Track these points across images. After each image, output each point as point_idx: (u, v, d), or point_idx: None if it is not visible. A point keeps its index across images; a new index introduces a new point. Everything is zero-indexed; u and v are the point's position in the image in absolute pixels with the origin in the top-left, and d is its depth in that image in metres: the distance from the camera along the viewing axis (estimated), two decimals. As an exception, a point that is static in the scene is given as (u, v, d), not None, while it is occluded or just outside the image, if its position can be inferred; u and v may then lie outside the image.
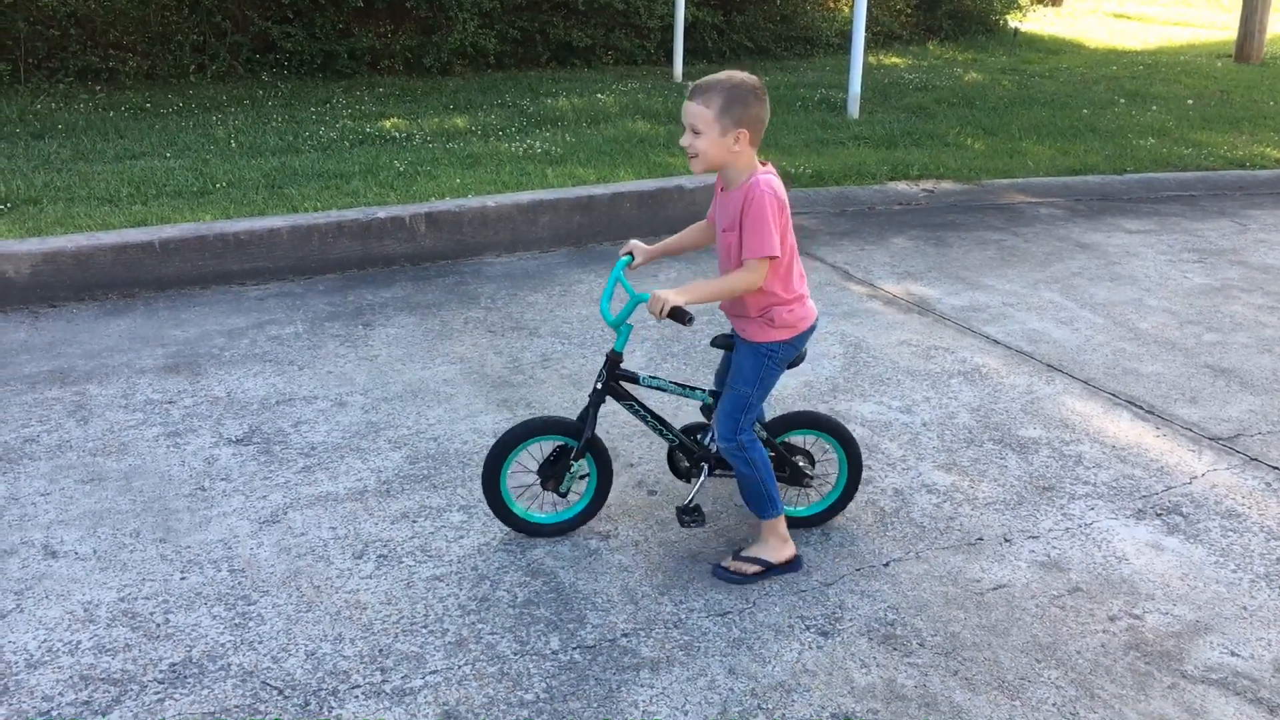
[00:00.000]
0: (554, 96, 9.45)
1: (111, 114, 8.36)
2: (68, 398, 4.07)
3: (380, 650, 2.76)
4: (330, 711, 2.55)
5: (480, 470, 3.22)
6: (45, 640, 2.77)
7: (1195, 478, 3.70)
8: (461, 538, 3.26)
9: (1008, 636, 2.85)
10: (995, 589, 3.05)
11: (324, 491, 3.48)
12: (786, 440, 3.33)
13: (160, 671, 2.67)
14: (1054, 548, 3.26)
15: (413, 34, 10.60)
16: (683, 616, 2.91)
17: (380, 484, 3.54)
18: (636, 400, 3.22)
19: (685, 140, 2.92)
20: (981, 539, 3.30)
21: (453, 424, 3.95)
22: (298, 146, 7.40)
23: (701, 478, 3.27)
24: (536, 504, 3.31)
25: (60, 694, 2.58)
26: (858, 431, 3.92)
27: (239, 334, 4.70)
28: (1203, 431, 4.03)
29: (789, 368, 3.13)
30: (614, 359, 3.14)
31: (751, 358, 3.04)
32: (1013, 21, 15.73)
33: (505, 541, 3.24)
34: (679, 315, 2.86)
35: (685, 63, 10.70)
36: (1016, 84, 11.15)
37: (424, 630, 2.84)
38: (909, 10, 14.17)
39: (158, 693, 2.60)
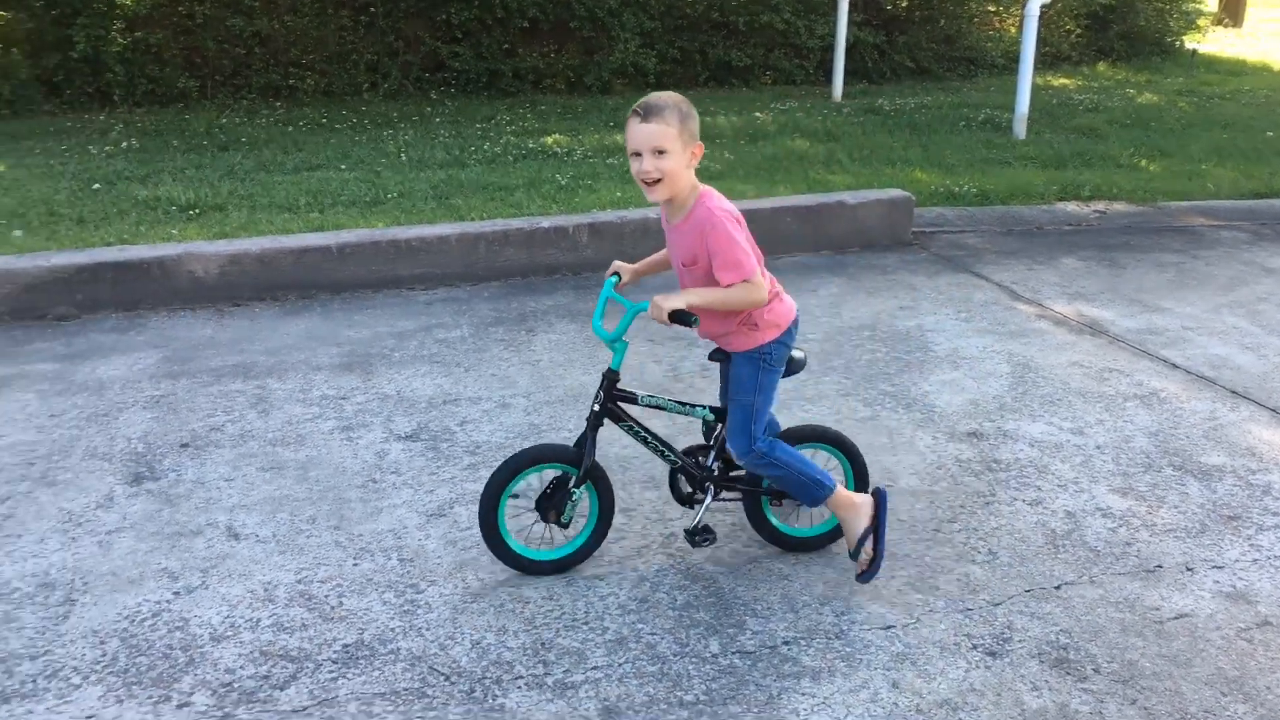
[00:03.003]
0: (712, 115, 9.49)
1: (290, 129, 8.75)
2: (250, 391, 4.26)
3: (542, 644, 2.80)
4: (494, 700, 2.59)
5: (480, 498, 3.03)
6: (228, 616, 2.89)
7: (1399, 514, 3.45)
8: (621, 539, 3.27)
9: (1190, 668, 2.71)
10: (1176, 618, 2.91)
11: (488, 488, 3.55)
12: None
13: (334, 651, 2.76)
14: (1240, 579, 3.08)
15: (575, 54, 10.81)
16: (844, 628, 2.86)
17: (543, 483, 3.59)
18: (636, 421, 3.09)
19: (647, 165, 2.74)
20: (1160, 566, 3.15)
21: (613, 428, 3.96)
22: (464, 160, 7.61)
23: (707, 500, 3.14)
24: (536, 540, 3.14)
25: (241, 667, 2.70)
26: (1027, 452, 3.80)
27: (408, 336, 4.85)
28: (1407, 466, 3.76)
29: (788, 374, 3.04)
30: (611, 378, 3.00)
31: (747, 365, 2.95)
32: (1190, 42, 15.10)
33: (664, 545, 3.24)
34: (683, 318, 2.77)
35: (845, 83, 10.60)
36: (1195, 106, 10.69)
37: (585, 627, 2.87)
38: (1079, 31, 13.74)
39: (331, 671, 2.69)
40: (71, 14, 9.18)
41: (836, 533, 3.19)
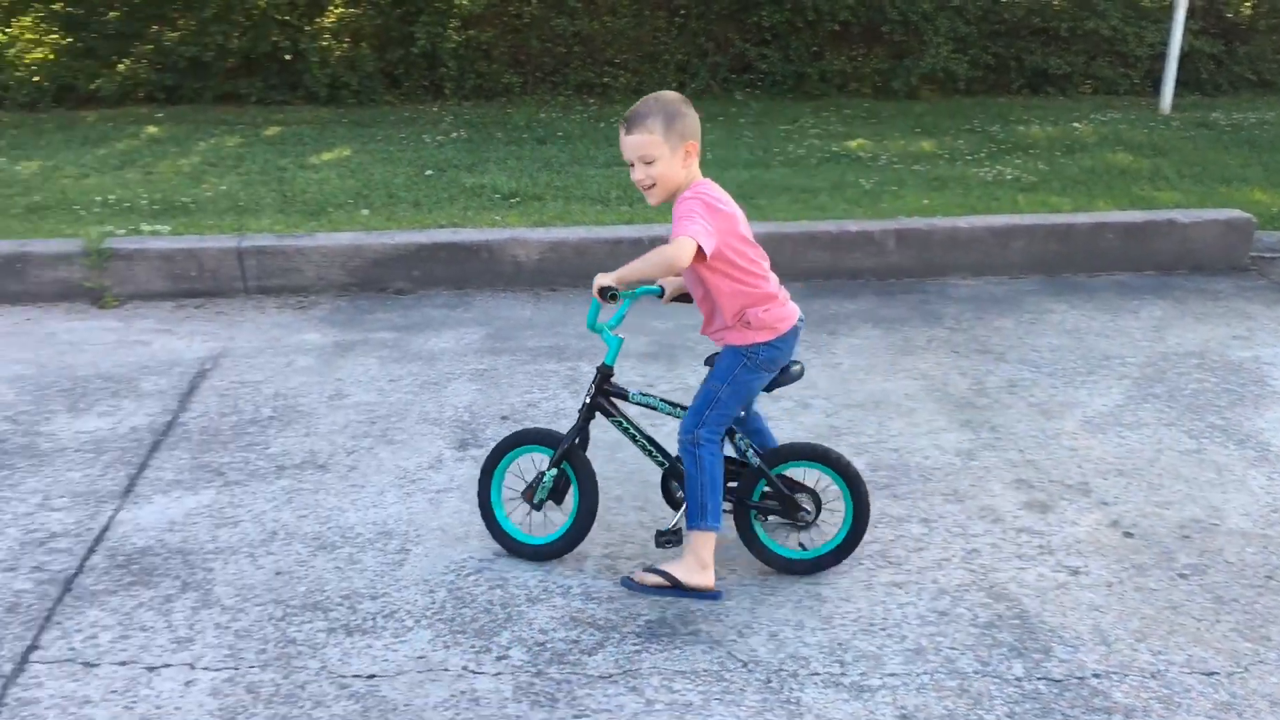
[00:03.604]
0: (1025, 124, 9.13)
1: (601, 125, 9.11)
2: (563, 371, 4.49)
3: (839, 644, 2.81)
4: (790, 692, 2.63)
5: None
6: (543, 581, 3.07)
7: None
8: (921, 549, 3.24)
9: None
10: None
11: (787, 485, 3.59)
12: (786, 474, 3.11)
13: (638, 625, 2.88)
14: None
15: (883, 58, 10.66)
16: (1161, 668, 2.71)
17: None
18: (626, 418, 3.13)
19: (638, 174, 2.87)
20: None
21: (914, 438, 3.93)
22: (767, 161, 7.68)
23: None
24: (533, 525, 3.21)
25: (554, 629, 2.86)
26: (1379, 503, 3.47)
27: (711, 330, 4.96)
28: None
29: (781, 383, 3.05)
30: (605, 373, 3.08)
31: (730, 355, 2.98)
32: None
33: (966, 560, 3.18)
34: (602, 294, 2.86)
35: (1174, 94, 9.92)
36: None
37: (882, 632, 2.86)
38: None
39: (635, 644, 2.81)
40: (415, 12, 9.93)
41: (835, 556, 3.12)
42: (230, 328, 4.97)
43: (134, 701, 2.58)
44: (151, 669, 2.70)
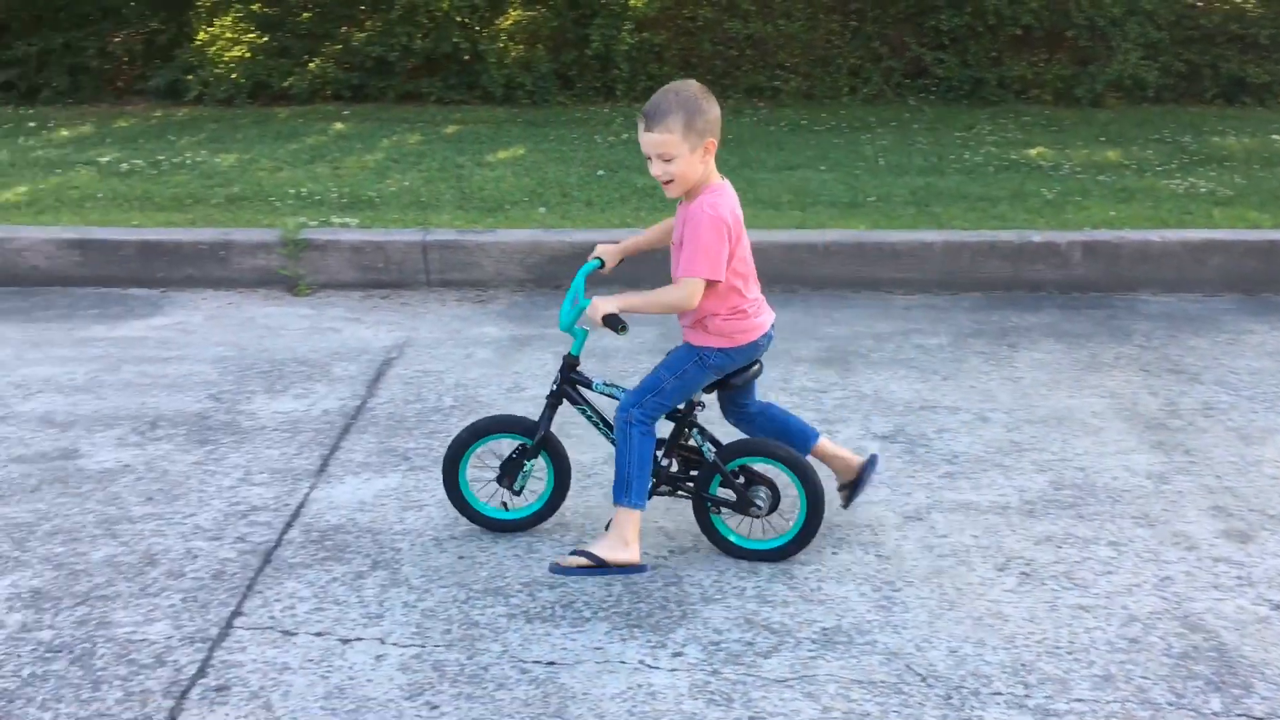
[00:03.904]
0: (1220, 134, 8.71)
1: (771, 129, 9.08)
2: (735, 373, 4.49)
3: (1022, 664, 2.74)
4: (972, 710, 2.57)
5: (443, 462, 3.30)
6: (717, 581, 3.09)
7: None
8: (1110, 573, 3.12)
9: None
10: None
11: (966, 499, 3.52)
12: (748, 466, 3.17)
13: (814, 632, 2.86)
14: None
15: (1067, 64, 10.31)
16: (1376, 715, 2.55)
17: (1023, 503, 3.51)
18: (591, 406, 3.24)
19: (657, 170, 2.89)
20: None
21: (1101, 457, 3.80)
22: (942, 168, 7.52)
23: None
24: (497, 499, 3.34)
25: (728, 630, 2.87)
26: None
27: (886, 338, 4.89)
28: None
29: (738, 385, 3.14)
30: (570, 362, 3.20)
31: (684, 350, 3.10)
32: None
33: (1159, 587, 3.06)
34: (611, 323, 2.95)
35: (1386, 104, 9.31)
36: None
37: (1068, 656, 2.77)
38: None
39: (811, 650, 2.79)
40: (590, 15, 10.09)
41: (791, 547, 3.15)
42: (414, 318, 5.15)
43: (329, 671, 2.70)
44: (345, 641, 2.82)
